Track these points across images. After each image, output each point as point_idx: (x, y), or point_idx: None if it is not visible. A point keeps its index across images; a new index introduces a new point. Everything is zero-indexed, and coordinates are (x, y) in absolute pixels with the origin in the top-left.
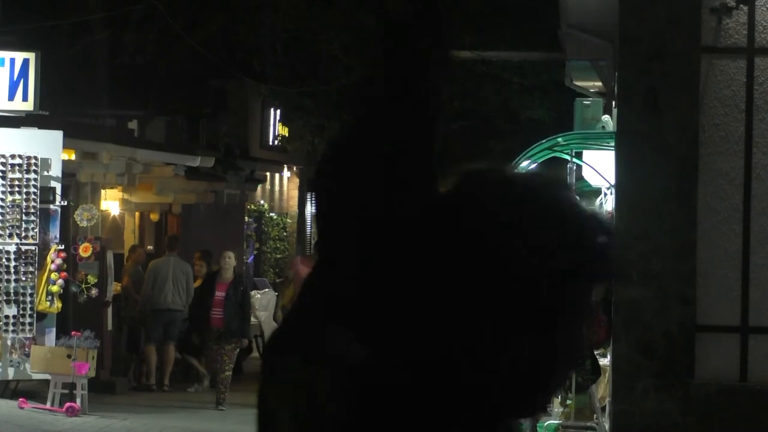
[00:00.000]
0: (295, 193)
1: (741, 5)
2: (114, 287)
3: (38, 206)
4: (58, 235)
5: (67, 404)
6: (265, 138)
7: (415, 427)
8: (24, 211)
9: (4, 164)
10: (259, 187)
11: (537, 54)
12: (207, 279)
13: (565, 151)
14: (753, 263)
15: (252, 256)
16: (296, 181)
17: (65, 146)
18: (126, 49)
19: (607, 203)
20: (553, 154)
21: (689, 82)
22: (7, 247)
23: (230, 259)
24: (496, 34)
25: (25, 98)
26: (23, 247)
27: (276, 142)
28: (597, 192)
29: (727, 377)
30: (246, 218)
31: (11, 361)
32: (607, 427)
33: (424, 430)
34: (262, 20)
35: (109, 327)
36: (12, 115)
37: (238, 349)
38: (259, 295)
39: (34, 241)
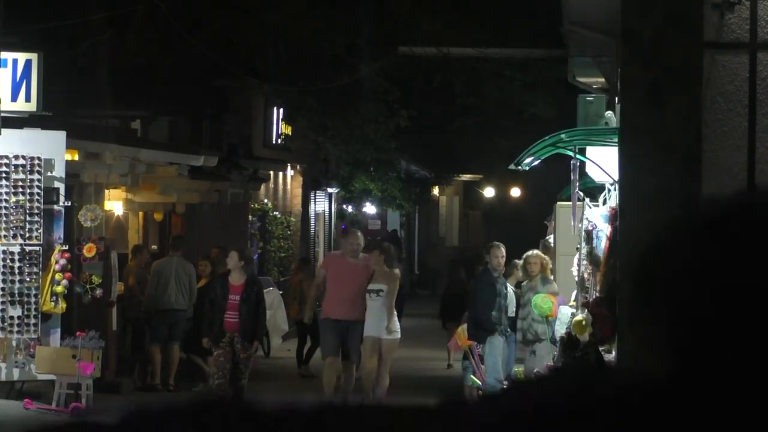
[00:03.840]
0: (298, 192)
1: (743, 0)
2: (118, 287)
3: (42, 207)
4: (62, 236)
5: (73, 404)
6: (268, 137)
7: None
8: (28, 211)
9: (7, 165)
10: (263, 186)
11: (539, 51)
12: (217, 281)
13: (569, 148)
14: None
15: (256, 255)
16: (300, 179)
17: (68, 147)
18: (129, 50)
19: (611, 199)
20: (556, 151)
21: (692, 77)
22: (12, 248)
23: (234, 260)
24: (498, 32)
25: (28, 99)
26: (27, 248)
27: (279, 141)
28: (601, 188)
29: None
30: (250, 217)
31: (16, 361)
32: None
33: None
34: (264, 20)
35: (114, 327)
36: (15, 116)
37: (252, 357)
38: None
39: (38, 242)
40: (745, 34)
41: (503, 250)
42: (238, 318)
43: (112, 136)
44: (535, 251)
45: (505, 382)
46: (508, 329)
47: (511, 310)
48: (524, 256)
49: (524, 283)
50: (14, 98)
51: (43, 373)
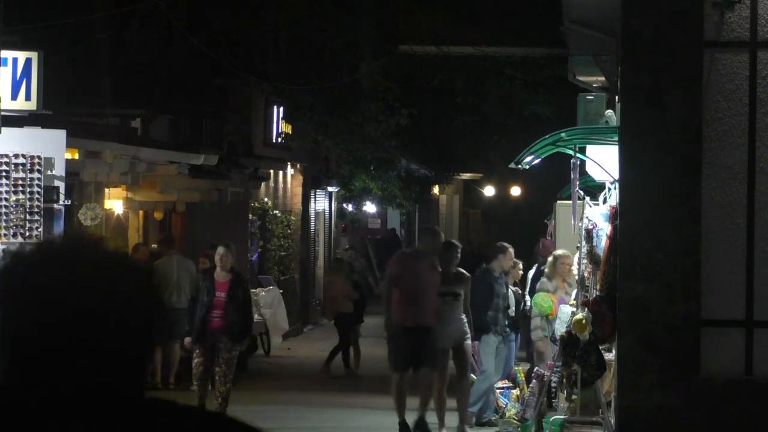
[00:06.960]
0: (298, 191)
1: None
2: None
3: (42, 205)
4: (62, 235)
5: None
6: (268, 135)
7: None
8: (28, 210)
9: (7, 164)
10: (263, 185)
11: (540, 50)
12: (201, 278)
13: (569, 146)
14: (757, 257)
15: (256, 254)
16: (300, 178)
17: (68, 145)
18: (129, 48)
19: (611, 198)
20: (556, 149)
21: (692, 76)
22: (11, 247)
23: (220, 255)
24: (499, 30)
25: (28, 98)
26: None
27: (279, 140)
28: (601, 187)
29: (732, 371)
30: (250, 216)
31: None
32: (612, 422)
33: None
34: (264, 18)
35: None
36: (15, 115)
37: (237, 357)
38: (263, 293)
39: (39, 241)
40: (745, 32)
41: (512, 252)
42: (223, 317)
43: (113, 135)
44: (566, 251)
45: (505, 381)
46: (507, 329)
47: (512, 310)
48: (554, 254)
49: (544, 280)
50: (14, 97)
51: None
